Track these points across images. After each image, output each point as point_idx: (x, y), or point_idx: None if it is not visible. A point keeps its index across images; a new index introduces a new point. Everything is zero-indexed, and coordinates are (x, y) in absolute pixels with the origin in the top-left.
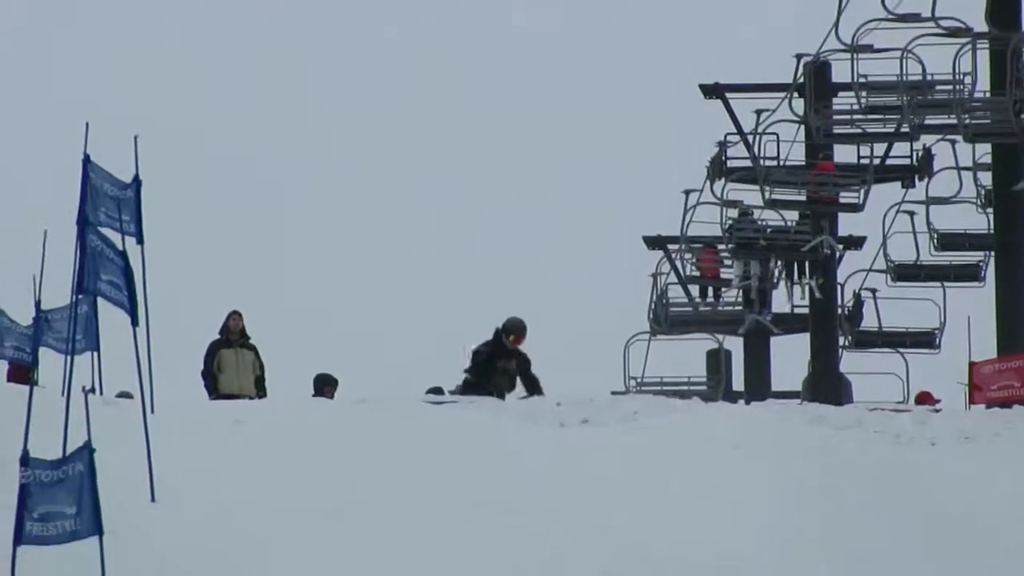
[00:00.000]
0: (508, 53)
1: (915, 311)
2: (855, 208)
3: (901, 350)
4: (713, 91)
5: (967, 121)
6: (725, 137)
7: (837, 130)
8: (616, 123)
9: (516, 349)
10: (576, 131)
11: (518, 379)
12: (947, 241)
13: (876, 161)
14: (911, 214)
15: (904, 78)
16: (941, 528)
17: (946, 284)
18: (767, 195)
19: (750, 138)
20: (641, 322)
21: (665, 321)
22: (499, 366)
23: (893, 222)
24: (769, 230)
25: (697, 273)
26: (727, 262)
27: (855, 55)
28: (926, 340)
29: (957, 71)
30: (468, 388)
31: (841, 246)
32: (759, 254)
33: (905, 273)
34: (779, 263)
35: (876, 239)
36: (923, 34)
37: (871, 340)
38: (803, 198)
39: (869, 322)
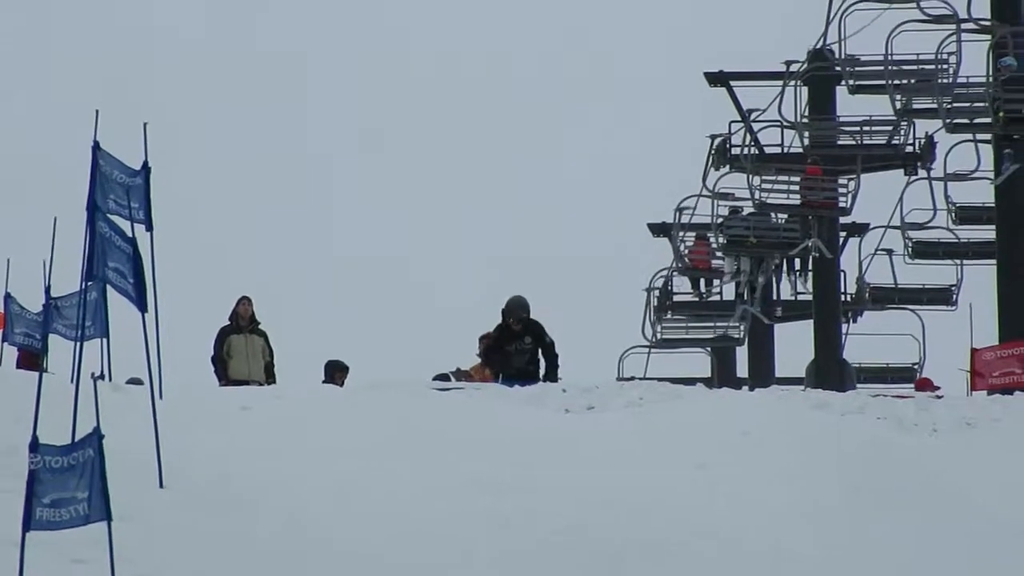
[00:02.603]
0: (512, 37)
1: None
2: (843, 212)
3: (917, 309)
4: (718, 79)
5: (948, 105)
6: (730, 125)
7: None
8: (623, 111)
9: (527, 325)
10: (581, 119)
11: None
12: (922, 250)
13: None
14: (889, 251)
15: (889, 58)
16: (943, 513)
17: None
18: (756, 197)
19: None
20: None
21: (655, 338)
22: (511, 349)
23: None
24: (758, 229)
25: (689, 264)
26: (719, 253)
27: (843, 38)
28: (943, 297)
29: (940, 56)
30: (494, 372)
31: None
32: (749, 251)
33: (882, 296)
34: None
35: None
36: (908, 20)
37: (888, 297)
38: (793, 201)
39: (882, 280)
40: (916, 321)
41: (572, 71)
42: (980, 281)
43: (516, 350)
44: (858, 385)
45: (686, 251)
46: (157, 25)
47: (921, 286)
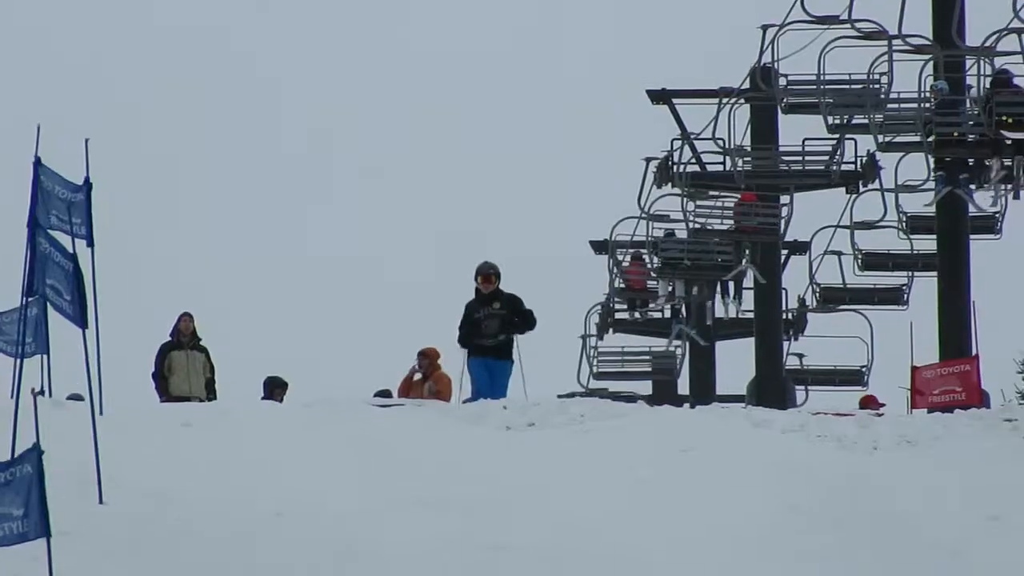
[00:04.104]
0: (462, 48)
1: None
2: (777, 236)
3: (868, 309)
4: (660, 96)
5: (880, 123)
6: (672, 143)
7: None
8: (566, 128)
9: (499, 292)
10: (525, 135)
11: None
12: (871, 261)
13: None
14: (839, 254)
15: (821, 76)
16: (883, 531)
17: (871, 308)
18: (691, 224)
19: (697, 143)
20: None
21: (590, 380)
22: (482, 314)
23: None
24: (693, 251)
25: (624, 285)
26: (654, 274)
27: (776, 55)
28: (893, 297)
29: (871, 83)
30: (461, 341)
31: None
32: (684, 274)
33: (832, 297)
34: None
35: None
36: (840, 36)
37: (838, 297)
38: (726, 227)
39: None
40: (864, 323)
41: (515, 84)
42: (930, 292)
43: (486, 315)
44: (808, 388)
45: (618, 274)
46: (97, 40)
47: (872, 286)
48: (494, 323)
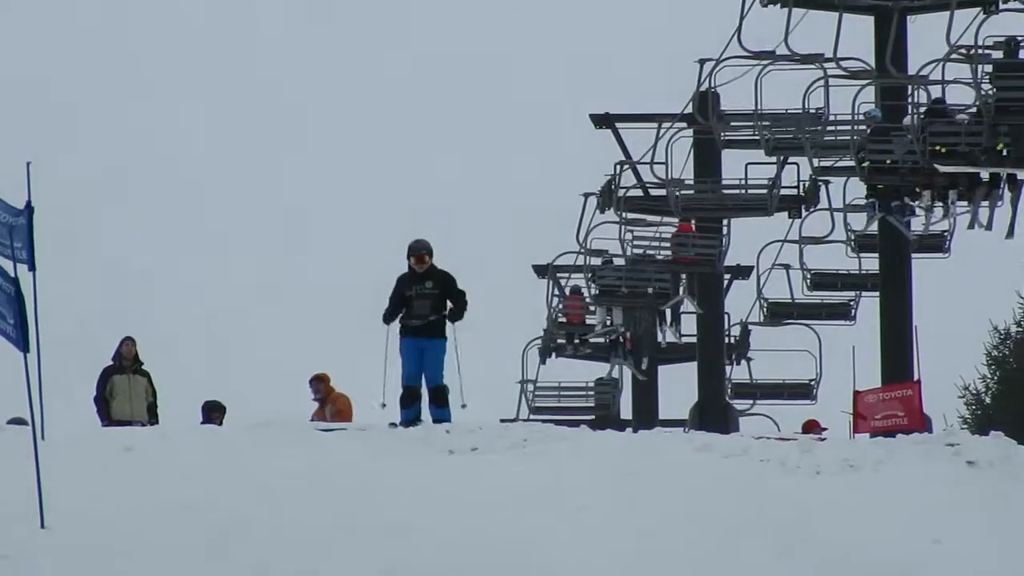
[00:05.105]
0: (406, 72)
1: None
2: (714, 267)
3: (816, 324)
4: (604, 121)
5: (814, 146)
6: (615, 167)
7: (732, 136)
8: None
9: (433, 269)
10: (472, 160)
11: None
12: (820, 281)
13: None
14: (787, 267)
15: (759, 105)
16: (826, 555)
17: (819, 323)
18: (627, 251)
19: (642, 167)
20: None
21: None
22: (414, 292)
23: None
24: (630, 279)
25: (564, 319)
26: (592, 308)
27: (712, 86)
28: (841, 312)
29: (807, 105)
30: (385, 317)
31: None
32: (621, 302)
33: (780, 312)
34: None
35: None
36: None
37: (786, 312)
38: (664, 257)
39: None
40: (813, 337)
41: (460, 103)
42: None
43: (417, 294)
44: (756, 402)
45: (557, 306)
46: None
47: (820, 301)
48: (425, 304)
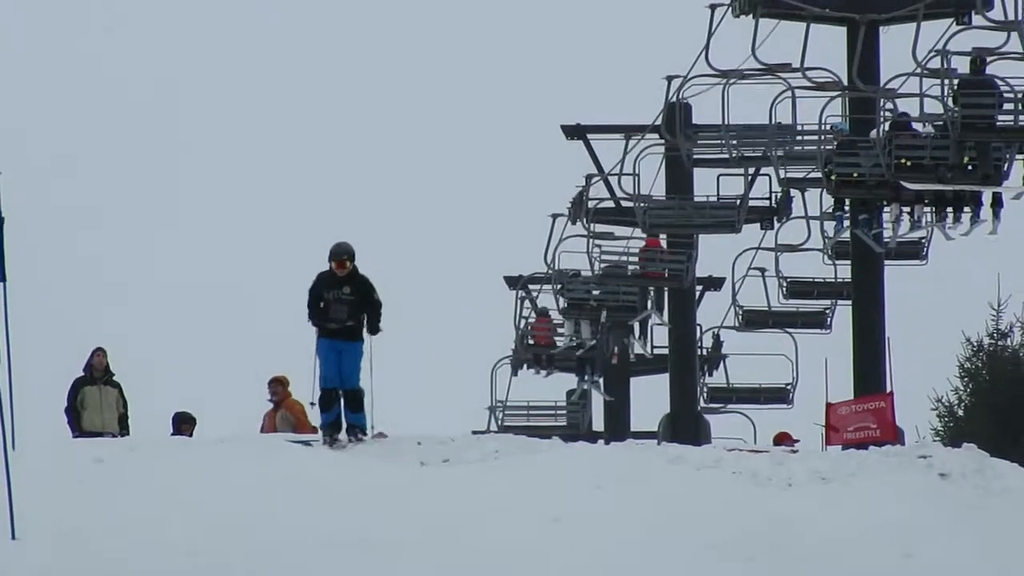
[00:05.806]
0: (378, 84)
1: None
2: (682, 283)
3: (791, 331)
4: (575, 132)
5: (777, 154)
6: (585, 179)
7: (702, 155)
8: (482, 163)
9: (354, 274)
10: (442, 170)
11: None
12: (796, 289)
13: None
14: (762, 270)
15: (726, 120)
16: (798, 568)
17: (795, 331)
18: (595, 268)
19: (611, 179)
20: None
21: (499, 425)
22: (331, 296)
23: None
24: (598, 292)
25: (532, 341)
26: (560, 330)
27: (680, 107)
28: (817, 320)
29: (774, 118)
30: (311, 319)
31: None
32: (590, 314)
33: (755, 320)
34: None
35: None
36: (746, 69)
37: (762, 320)
38: (632, 272)
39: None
40: (789, 340)
41: (433, 114)
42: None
43: (335, 299)
44: (732, 406)
45: (528, 330)
46: (11, 72)
47: (795, 309)
48: (342, 309)
